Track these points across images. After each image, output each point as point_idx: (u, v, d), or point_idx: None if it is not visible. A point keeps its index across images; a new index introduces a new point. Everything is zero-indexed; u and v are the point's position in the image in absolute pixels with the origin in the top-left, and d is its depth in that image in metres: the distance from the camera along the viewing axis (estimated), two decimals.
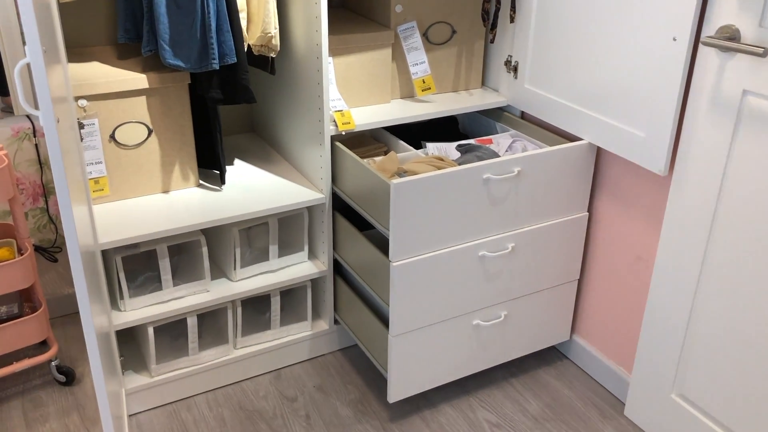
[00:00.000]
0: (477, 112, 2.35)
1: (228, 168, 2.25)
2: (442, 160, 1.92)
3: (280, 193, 2.08)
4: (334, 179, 2.08)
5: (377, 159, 2.09)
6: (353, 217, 2.12)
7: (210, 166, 2.15)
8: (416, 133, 2.35)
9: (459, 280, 1.94)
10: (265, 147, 2.41)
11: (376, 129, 2.20)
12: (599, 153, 2.05)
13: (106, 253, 1.95)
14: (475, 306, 2.01)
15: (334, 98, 2.04)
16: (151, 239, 1.90)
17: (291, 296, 2.28)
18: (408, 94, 2.28)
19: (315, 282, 2.26)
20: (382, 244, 1.87)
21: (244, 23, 1.90)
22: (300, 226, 2.16)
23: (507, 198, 1.92)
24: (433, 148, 2.15)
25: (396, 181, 1.72)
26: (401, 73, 2.23)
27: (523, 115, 2.30)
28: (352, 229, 2.05)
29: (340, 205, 2.12)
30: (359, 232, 2.01)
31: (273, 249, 2.12)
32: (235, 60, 1.83)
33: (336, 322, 2.29)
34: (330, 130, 2.00)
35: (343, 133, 2.03)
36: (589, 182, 2.08)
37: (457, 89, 2.36)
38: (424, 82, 2.21)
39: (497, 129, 2.35)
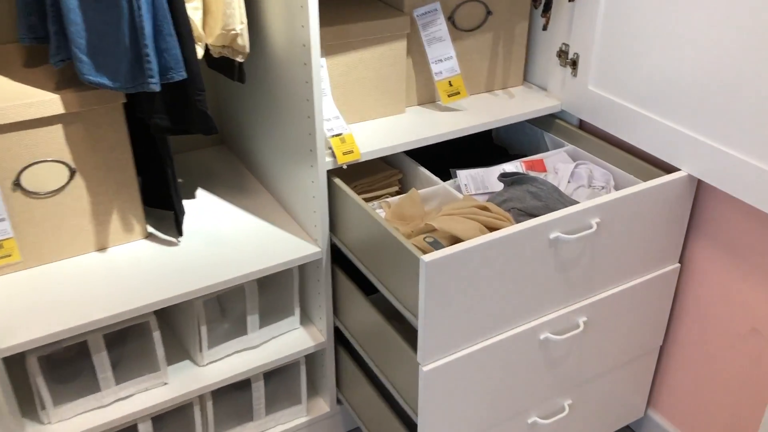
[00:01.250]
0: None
1: (188, 203, 1.68)
2: (485, 208, 1.35)
3: (259, 246, 1.51)
4: (332, 226, 1.52)
5: (391, 200, 1.52)
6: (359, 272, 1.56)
7: (162, 205, 1.58)
8: (437, 150, 1.77)
9: (512, 374, 1.39)
10: (239, 169, 1.83)
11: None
12: (698, 187, 1.49)
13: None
14: (532, 401, 1.47)
15: (329, 116, 1.45)
16: (79, 332, 1.33)
17: (280, 374, 1.73)
18: (428, 98, 1.70)
19: (311, 356, 1.71)
20: (400, 315, 1.32)
21: (197, 17, 1.31)
22: (288, 285, 1.60)
23: (580, 259, 1.37)
24: (466, 177, 1.58)
25: (429, 257, 1.16)
26: (419, 71, 1.65)
27: (582, 124, 1.73)
28: (358, 295, 1.49)
29: (341, 256, 1.56)
30: (371, 306, 1.45)
31: (252, 319, 1.56)
32: (184, 75, 1.24)
33: (339, 401, 1.75)
34: (326, 162, 1.42)
35: (344, 167, 1.46)
36: (684, 226, 1.52)
37: (491, 88, 1.78)
38: (451, 85, 1.63)
39: (546, 142, 1.77)
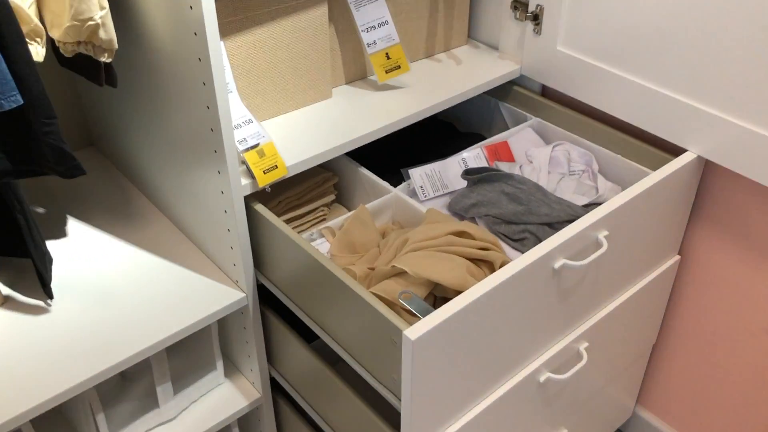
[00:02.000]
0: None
1: (56, 245, 1.25)
2: (463, 233, 1.02)
3: (163, 300, 1.13)
4: (257, 262, 1.16)
5: (334, 223, 1.16)
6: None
7: (18, 252, 1.15)
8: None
9: (509, 424, 1.11)
10: (120, 182, 1.41)
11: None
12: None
13: None
14: None
15: (239, 121, 1.07)
16: None
17: None
18: (358, 74, 1.33)
19: (245, 416, 1.36)
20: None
21: (26, 2, 0.87)
22: (206, 338, 1.24)
23: (584, 282, 1.08)
24: (420, 178, 1.24)
25: (415, 331, 0.83)
26: (345, 41, 1.27)
27: (545, 91, 1.42)
28: (297, 344, 1.15)
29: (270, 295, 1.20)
30: (316, 358, 1.11)
31: (164, 389, 1.20)
32: (19, 101, 0.82)
33: None
34: (241, 186, 1.05)
35: (268, 189, 1.08)
36: (687, 213, 1.26)
37: (432, 52, 1.42)
38: (388, 58, 1.27)
39: (502, 113, 1.45)
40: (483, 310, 0.90)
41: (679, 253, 1.31)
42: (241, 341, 1.26)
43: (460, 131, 1.48)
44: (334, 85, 1.29)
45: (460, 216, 1.23)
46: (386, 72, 1.26)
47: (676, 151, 1.18)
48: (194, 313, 1.11)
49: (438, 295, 1.00)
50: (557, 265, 0.98)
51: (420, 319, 0.85)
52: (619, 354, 1.31)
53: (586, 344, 1.15)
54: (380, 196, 1.21)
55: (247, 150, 1.05)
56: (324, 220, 1.26)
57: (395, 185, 1.26)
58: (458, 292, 0.89)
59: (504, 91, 1.42)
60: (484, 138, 1.44)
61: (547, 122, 1.37)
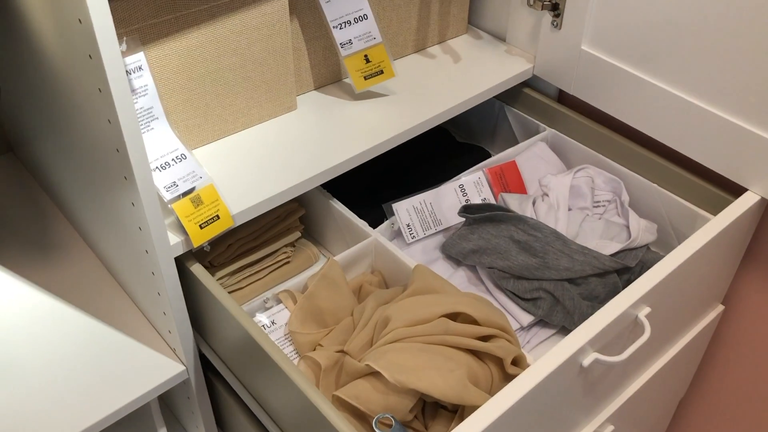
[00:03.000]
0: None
1: None
2: (461, 315, 0.78)
3: (83, 377, 0.88)
4: (198, 327, 0.91)
5: (295, 285, 0.91)
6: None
7: None
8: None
9: None
10: (40, 201, 1.14)
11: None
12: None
13: None
14: None
15: (168, 156, 0.81)
16: None
17: None
18: (331, 77, 1.06)
19: None
20: None
21: None
22: (144, 408, 1.00)
23: (615, 369, 0.84)
24: (406, 214, 0.99)
25: None
26: (312, 39, 1.00)
27: (561, 96, 1.15)
28: (246, 421, 0.92)
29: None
30: None
31: None
32: None
33: None
34: (169, 247, 0.79)
35: (206, 248, 0.83)
36: (738, 260, 1.02)
37: (423, 45, 1.15)
38: (368, 62, 1.00)
39: (508, 120, 1.19)
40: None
41: (722, 303, 1.07)
42: (187, 410, 1.03)
43: (457, 141, 1.22)
44: (300, 91, 1.03)
45: (457, 261, 0.99)
46: (365, 78, 1.00)
47: (725, 184, 0.94)
48: (125, 392, 0.86)
49: (428, 400, 0.77)
50: (587, 362, 0.74)
51: None
52: (643, 422, 1.09)
53: (611, 428, 0.93)
54: (356, 237, 0.96)
55: (177, 198, 0.79)
56: (288, 263, 1.01)
57: (377, 219, 1.01)
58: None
59: (512, 93, 1.15)
60: (486, 152, 1.18)
61: (565, 135, 1.11)
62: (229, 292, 0.96)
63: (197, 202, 0.80)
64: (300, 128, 0.97)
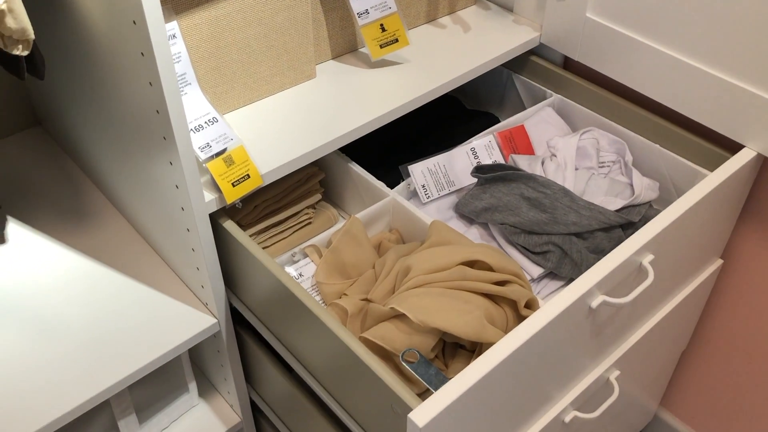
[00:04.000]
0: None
1: None
2: (478, 262, 0.84)
3: (119, 331, 0.94)
4: (230, 282, 0.97)
5: (320, 239, 0.97)
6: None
7: None
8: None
9: None
10: (70, 170, 1.20)
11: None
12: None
13: None
14: None
15: (200, 119, 0.86)
16: None
17: None
18: (348, 47, 1.11)
19: None
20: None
21: None
22: (175, 361, 1.07)
23: (620, 312, 0.90)
24: (422, 175, 1.05)
25: (423, 415, 0.65)
26: (330, 10, 1.05)
27: (567, 63, 1.20)
28: (275, 371, 0.98)
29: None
30: (296, 389, 0.95)
31: (127, 424, 1.03)
32: None
33: None
34: (204, 204, 0.85)
35: (238, 204, 0.89)
36: (736, 215, 1.07)
37: (434, 16, 1.20)
38: (383, 30, 1.05)
39: (516, 87, 1.24)
40: (507, 370, 0.73)
41: (721, 257, 1.13)
42: (216, 364, 1.09)
43: (467, 108, 1.27)
44: (318, 61, 1.08)
45: (470, 220, 1.05)
46: (381, 47, 1.05)
47: (724, 142, 0.99)
48: (158, 345, 0.93)
49: (448, 341, 0.83)
50: (595, 303, 0.80)
51: (428, 390, 0.68)
52: (648, 370, 1.15)
53: (617, 373, 0.99)
54: (375, 197, 1.02)
55: (211, 158, 0.85)
56: (309, 224, 1.07)
57: (392, 183, 1.06)
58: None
59: (520, 61, 1.20)
60: (495, 118, 1.24)
61: (570, 100, 1.16)
62: None
63: (229, 161, 0.86)
64: (319, 95, 1.03)
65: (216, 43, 0.92)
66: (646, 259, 0.85)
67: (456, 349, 0.83)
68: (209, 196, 0.86)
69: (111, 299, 0.98)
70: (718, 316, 1.21)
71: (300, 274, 0.91)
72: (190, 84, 0.87)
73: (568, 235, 0.97)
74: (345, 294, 0.88)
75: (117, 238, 1.07)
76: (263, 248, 1.03)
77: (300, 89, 1.04)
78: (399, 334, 0.78)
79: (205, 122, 0.87)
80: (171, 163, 0.82)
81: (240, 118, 0.98)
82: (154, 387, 1.10)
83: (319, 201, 1.09)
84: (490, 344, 0.74)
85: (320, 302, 0.90)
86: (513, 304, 0.81)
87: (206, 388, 1.17)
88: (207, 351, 1.09)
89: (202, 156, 0.85)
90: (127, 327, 0.94)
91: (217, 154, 0.86)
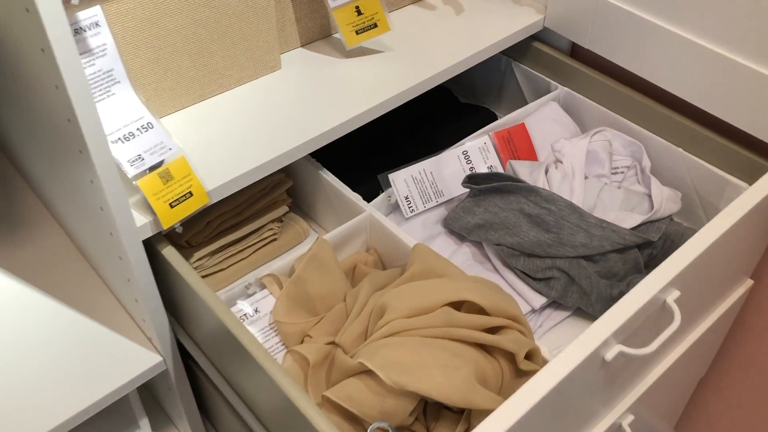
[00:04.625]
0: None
1: None
2: (466, 303, 0.69)
3: (55, 369, 0.80)
4: (175, 313, 0.83)
5: (281, 267, 0.81)
6: None
7: None
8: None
9: None
10: (8, 177, 1.04)
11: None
12: None
13: None
14: None
15: (132, 126, 0.71)
16: None
17: None
18: (319, 32, 0.95)
19: None
20: None
21: None
22: (123, 398, 0.92)
23: (634, 360, 0.76)
24: (404, 185, 0.89)
25: None
26: None
27: (574, 50, 1.04)
28: (229, 411, 0.84)
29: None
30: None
31: None
32: None
33: None
34: (136, 229, 0.70)
35: (178, 228, 0.74)
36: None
37: None
38: (359, 13, 0.89)
39: (516, 77, 1.08)
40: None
41: (751, 277, 0.98)
42: (169, 400, 0.95)
43: (459, 101, 1.11)
44: (284, 49, 0.92)
45: (461, 236, 0.90)
46: (357, 33, 0.89)
47: (760, 147, 0.84)
48: (96, 387, 0.78)
49: (430, 401, 0.68)
50: (610, 355, 0.65)
51: None
52: (663, 406, 1.01)
53: (630, 419, 0.85)
54: (349, 212, 0.87)
55: (143, 174, 0.70)
56: (274, 240, 0.92)
57: (372, 190, 0.91)
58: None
59: (521, 48, 1.05)
60: (491, 113, 1.08)
61: (578, 94, 1.01)
62: (210, 274, 0.88)
63: (166, 177, 0.71)
64: (284, 90, 0.87)
65: (155, 30, 0.76)
66: (671, 297, 0.70)
67: (440, 410, 0.69)
68: (142, 219, 0.71)
69: (46, 330, 0.83)
70: (743, 340, 1.07)
71: (256, 310, 0.76)
72: (118, 83, 0.71)
73: (575, 259, 0.82)
74: (309, 335, 0.74)
75: (55, 255, 0.92)
76: (219, 270, 0.89)
77: (261, 84, 0.88)
78: (370, 396, 0.63)
79: (138, 129, 0.71)
80: (92, 182, 0.66)
81: (187, 120, 0.83)
82: (102, 424, 0.96)
83: (287, 213, 0.93)
84: (482, 410, 0.59)
85: (279, 344, 0.75)
86: (510, 356, 0.66)
87: (164, 422, 1.03)
88: (159, 386, 0.95)
89: (132, 171, 0.69)
90: (65, 364, 0.79)
91: (152, 168, 0.70)
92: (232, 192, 0.77)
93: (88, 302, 0.86)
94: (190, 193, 0.72)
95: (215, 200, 0.75)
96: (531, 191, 0.83)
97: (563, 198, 0.82)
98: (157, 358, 0.82)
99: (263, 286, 0.78)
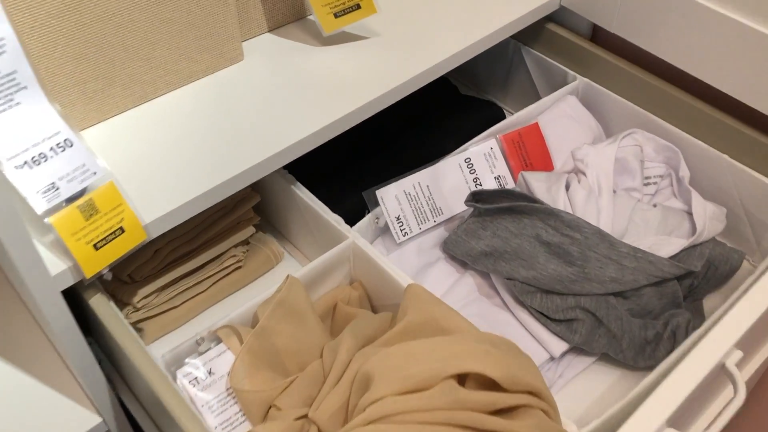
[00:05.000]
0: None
1: None
2: (473, 375, 0.54)
3: None
4: (118, 367, 0.68)
5: (242, 315, 0.65)
6: None
7: None
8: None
9: None
10: None
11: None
12: None
13: None
14: None
15: (41, 143, 0.55)
16: None
17: None
18: (291, 14, 0.79)
19: None
20: None
21: None
22: None
23: None
24: (394, 203, 0.74)
25: None
26: None
27: (595, 33, 0.88)
28: None
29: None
30: None
31: None
32: None
33: None
34: (50, 279, 0.54)
35: (106, 275, 0.58)
36: None
37: None
38: None
39: (526, 64, 0.92)
40: None
41: None
42: None
43: (460, 93, 0.95)
44: (247, 35, 0.76)
45: (463, 262, 0.75)
46: (336, 16, 0.72)
47: None
48: None
49: None
50: None
51: None
52: None
53: None
54: (328, 236, 0.71)
55: (58, 208, 0.54)
56: (239, 268, 0.77)
57: (354, 210, 0.76)
58: None
59: (531, 29, 0.88)
60: (498, 109, 0.92)
61: (601, 86, 0.85)
62: (160, 314, 0.72)
63: (90, 210, 0.55)
64: (248, 88, 0.71)
65: (76, 17, 0.60)
66: (732, 359, 0.55)
67: None
68: (60, 265, 0.55)
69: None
70: None
71: (210, 372, 0.61)
72: (24, 88, 0.55)
73: (603, 296, 0.68)
74: (275, 406, 0.59)
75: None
76: (171, 308, 0.73)
77: (218, 80, 0.72)
78: None
79: (52, 149, 0.55)
80: None
81: (122, 130, 0.67)
82: None
83: (254, 234, 0.78)
84: None
85: (239, 415, 0.60)
86: None
87: None
88: None
89: (43, 205, 0.53)
90: None
91: (70, 200, 0.55)
92: (178, 223, 0.61)
93: (29, 357, 0.70)
94: (120, 229, 0.56)
95: (156, 235, 0.59)
96: (550, 215, 0.68)
97: (590, 224, 0.67)
98: (96, 419, 0.67)
99: (219, 340, 0.62)
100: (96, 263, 0.55)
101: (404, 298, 0.62)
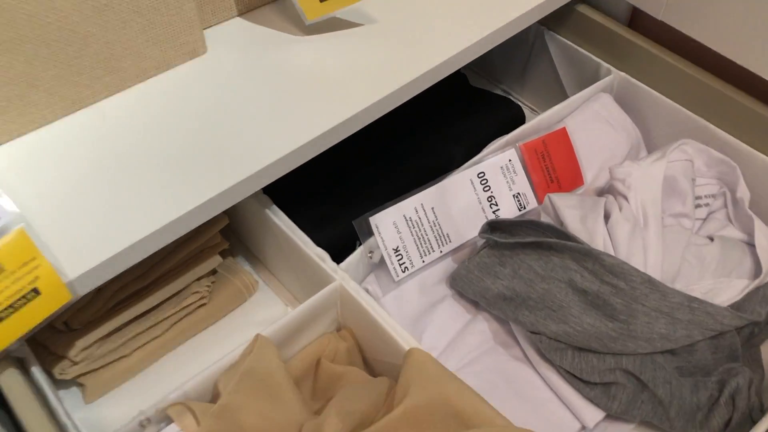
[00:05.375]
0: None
1: None
2: None
3: None
4: None
5: (200, 384, 0.52)
6: None
7: None
8: None
9: None
10: None
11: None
12: None
13: None
14: None
15: None
16: None
17: None
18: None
19: None
20: None
21: None
22: None
23: None
24: (395, 229, 0.60)
25: None
26: None
27: (633, 18, 0.74)
28: None
29: None
30: None
31: None
32: None
33: None
34: None
35: (12, 350, 0.45)
36: None
37: None
38: None
39: (549, 53, 0.78)
40: None
41: None
42: None
43: (471, 85, 0.81)
44: (211, 21, 0.61)
45: (474, 302, 0.62)
46: (321, 0, 0.58)
47: None
48: None
49: None
50: None
51: None
52: None
53: None
54: (311, 275, 0.58)
55: None
56: (203, 305, 0.63)
57: (344, 240, 0.62)
58: None
59: (557, 12, 0.74)
60: (518, 108, 0.78)
61: (640, 82, 0.71)
62: (107, 364, 0.59)
63: None
64: (211, 89, 0.57)
65: None
66: None
67: None
68: None
69: None
70: None
71: None
72: None
73: (649, 354, 0.55)
74: None
75: None
76: (120, 357, 0.60)
77: (173, 79, 0.58)
78: None
79: None
80: None
81: (45, 149, 0.52)
82: None
83: (222, 263, 0.64)
84: None
85: None
86: None
87: None
88: None
89: None
90: None
91: None
92: (118, 273, 0.48)
93: None
94: (34, 291, 0.43)
95: (85, 292, 0.46)
96: (587, 255, 0.55)
97: (639, 271, 0.54)
98: None
99: (169, 420, 0.49)
100: (2, 336, 0.42)
101: (405, 367, 0.49)
